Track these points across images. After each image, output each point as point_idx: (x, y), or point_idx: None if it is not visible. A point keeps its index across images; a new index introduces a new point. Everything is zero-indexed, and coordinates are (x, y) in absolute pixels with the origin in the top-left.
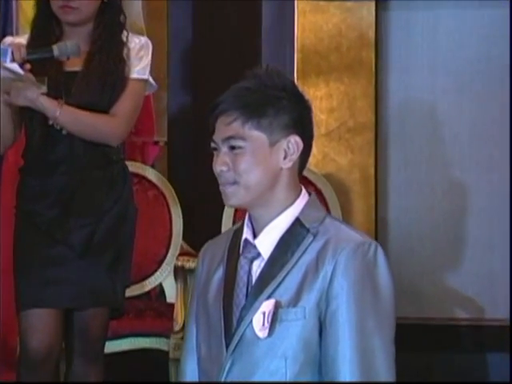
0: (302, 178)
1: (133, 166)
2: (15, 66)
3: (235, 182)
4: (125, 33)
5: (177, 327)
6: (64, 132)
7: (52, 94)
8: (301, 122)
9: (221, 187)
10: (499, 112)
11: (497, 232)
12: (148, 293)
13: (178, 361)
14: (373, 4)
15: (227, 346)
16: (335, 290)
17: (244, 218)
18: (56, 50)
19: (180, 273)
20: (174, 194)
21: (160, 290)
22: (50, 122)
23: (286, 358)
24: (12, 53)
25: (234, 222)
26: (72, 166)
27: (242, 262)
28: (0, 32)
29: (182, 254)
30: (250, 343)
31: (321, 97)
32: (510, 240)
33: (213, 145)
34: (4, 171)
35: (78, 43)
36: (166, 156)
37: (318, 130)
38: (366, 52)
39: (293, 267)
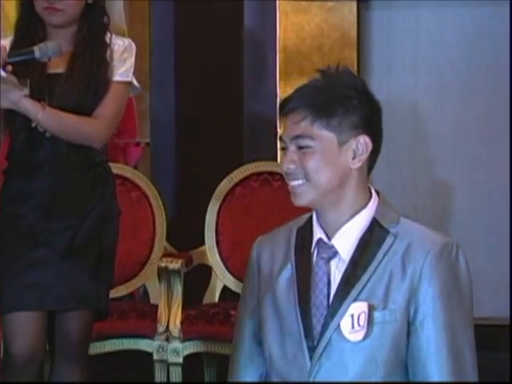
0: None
1: (116, 168)
2: None
3: (304, 181)
4: (108, 34)
5: (161, 328)
6: (47, 134)
7: (35, 96)
8: (370, 122)
9: (289, 186)
10: (481, 111)
11: (480, 231)
12: (131, 294)
13: (162, 362)
14: (354, 4)
15: (308, 348)
16: (425, 292)
17: (298, 218)
18: (37, 51)
19: (164, 274)
20: (157, 196)
21: (144, 292)
22: (33, 125)
23: (377, 361)
24: None
25: (216, 224)
26: (55, 168)
27: (319, 262)
28: None
29: (166, 255)
30: (338, 347)
31: None
32: (510, 240)
33: (281, 144)
34: None
35: (60, 43)
36: (149, 157)
37: None
38: (348, 52)
39: (376, 269)
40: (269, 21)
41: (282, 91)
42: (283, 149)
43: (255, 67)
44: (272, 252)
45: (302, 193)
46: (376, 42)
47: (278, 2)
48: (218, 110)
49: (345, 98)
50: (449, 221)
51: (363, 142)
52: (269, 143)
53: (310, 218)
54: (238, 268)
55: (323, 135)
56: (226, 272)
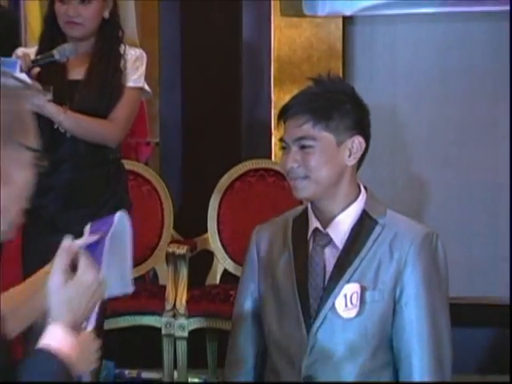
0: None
1: (129, 165)
2: (24, 76)
3: (306, 177)
4: (122, 46)
5: (168, 306)
6: (68, 134)
7: (57, 100)
8: (362, 123)
9: (292, 182)
10: (453, 115)
11: (452, 221)
12: (143, 276)
13: (169, 336)
14: (340, 20)
15: (306, 324)
16: (409, 276)
17: (293, 209)
18: (56, 53)
19: (171, 258)
20: (166, 189)
21: (153, 274)
22: (56, 126)
23: (367, 335)
24: (20, 64)
25: (218, 214)
26: (74, 164)
27: (316, 248)
28: (10, 48)
29: (173, 241)
30: (333, 323)
31: None
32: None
33: (283, 144)
34: None
35: (76, 44)
36: (158, 155)
37: None
38: (334, 62)
39: (366, 254)
40: (264, 34)
41: (276, 97)
42: (283, 148)
43: (252, 75)
44: (270, 239)
45: (305, 188)
46: (359, 54)
47: (272, 18)
48: (219, 113)
49: (340, 102)
50: (423, 212)
51: (358, 142)
52: (264, 143)
53: (306, 209)
54: (237, 253)
55: (323, 136)
56: (227, 257)
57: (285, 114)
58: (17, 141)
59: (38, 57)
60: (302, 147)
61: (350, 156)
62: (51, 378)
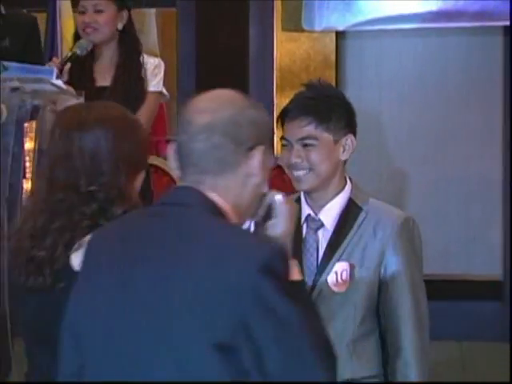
0: None
1: (151, 159)
2: (60, 82)
3: (309, 171)
4: (142, 57)
5: None
6: None
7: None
8: (352, 124)
9: (295, 175)
10: (431, 119)
11: (429, 208)
12: None
13: None
14: (334, 35)
15: None
16: (391, 256)
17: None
18: (77, 49)
19: None
20: None
21: None
22: None
23: (356, 307)
24: (56, 72)
25: None
26: None
27: (309, 232)
28: (47, 55)
29: None
30: (327, 297)
31: None
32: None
33: (284, 142)
34: None
35: (90, 40)
36: None
37: None
38: (328, 72)
39: (353, 236)
40: (268, 47)
41: (278, 101)
42: (285, 145)
43: (258, 82)
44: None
45: (307, 180)
46: (350, 64)
47: (275, 33)
48: None
49: (336, 106)
50: (404, 201)
51: (350, 140)
52: None
53: (298, 198)
54: None
55: (324, 136)
56: None
57: (286, 115)
58: None
59: (64, 57)
60: (305, 145)
61: (343, 152)
62: None
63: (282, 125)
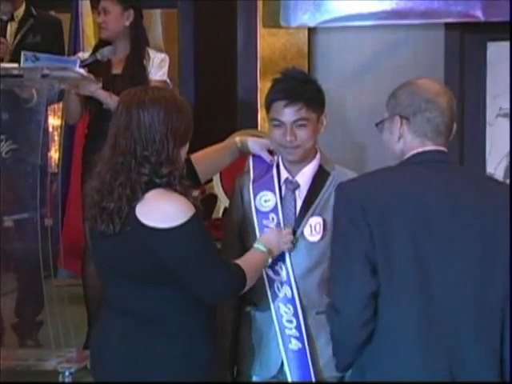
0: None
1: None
2: (82, 71)
3: (298, 147)
4: (148, 50)
5: None
6: (112, 111)
7: (105, 88)
8: (324, 103)
9: (288, 150)
10: (386, 101)
11: None
12: None
13: None
14: (306, 30)
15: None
16: None
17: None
18: (99, 55)
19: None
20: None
21: None
22: (104, 106)
23: (326, 254)
24: (79, 62)
25: (222, 186)
26: None
27: (288, 192)
28: (72, 49)
29: None
30: (303, 245)
31: None
32: None
33: (276, 122)
34: (77, 136)
35: (114, 48)
36: None
37: None
38: (301, 61)
39: (324, 195)
40: (252, 41)
41: (261, 85)
42: (276, 126)
43: (245, 70)
44: (249, 185)
45: (298, 152)
46: (319, 55)
47: (258, 29)
48: (222, 97)
49: (315, 90)
50: (364, 167)
51: (324, 118)
52: (253, 118)
53: (278, 163)
54: None
55: (312, 117)
56: (226, 198)
57: (277, 101)
58: None
59: (86, 58)
60: (298, 125)
61: (320, 128)
62: None
63: (269, 107)
